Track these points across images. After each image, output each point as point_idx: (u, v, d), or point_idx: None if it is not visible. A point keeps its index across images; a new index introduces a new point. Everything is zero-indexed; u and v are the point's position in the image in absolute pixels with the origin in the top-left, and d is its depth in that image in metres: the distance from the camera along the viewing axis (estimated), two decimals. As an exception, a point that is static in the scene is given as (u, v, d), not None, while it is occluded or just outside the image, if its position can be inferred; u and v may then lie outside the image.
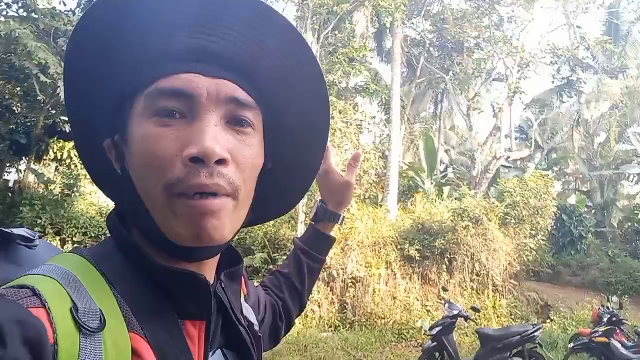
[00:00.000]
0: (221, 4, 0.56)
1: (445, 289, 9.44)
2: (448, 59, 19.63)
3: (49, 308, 0.47)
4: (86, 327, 0.47)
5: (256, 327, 0.74)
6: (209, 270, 0.62)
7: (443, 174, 20.92)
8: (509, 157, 17.02)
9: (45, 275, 0.51)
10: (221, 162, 0.53)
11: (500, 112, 17.24)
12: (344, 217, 1.07)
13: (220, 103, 0.56)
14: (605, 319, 7.94)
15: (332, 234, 1.07)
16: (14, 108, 11.02)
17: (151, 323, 0.53)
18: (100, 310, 0.50)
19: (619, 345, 7.66)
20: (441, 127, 23.11)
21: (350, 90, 19.35)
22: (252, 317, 0.74)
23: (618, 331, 7.85)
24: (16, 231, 0.67)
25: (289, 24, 0.59)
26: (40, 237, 0.70)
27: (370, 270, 11.10)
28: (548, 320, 11.21)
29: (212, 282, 0.63)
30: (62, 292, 0.50)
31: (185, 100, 0.55)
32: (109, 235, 0.63)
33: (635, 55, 21.90)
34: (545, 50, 19.39)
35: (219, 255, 0.64)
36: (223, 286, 0.65)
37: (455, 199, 13.80)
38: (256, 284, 0.96)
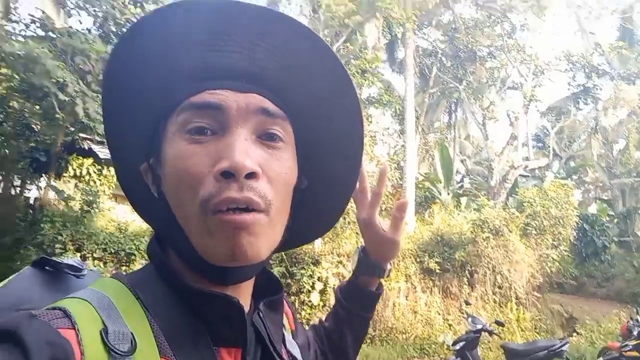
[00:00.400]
0: (244, 19, 0.56)
1: (467, 303, 9.26)
2: (461, 68, 19.56)
3: (78, 329, 0.47)
4: (115, 350, 0.47)
5: None
6: (244, 295, 0.61)
7: (459, 184, 20.71)
8: (526, 166, 16.81)
9: (79, 298, 0.52)
10: (251, 175, 0.53)
11: (516, 120, 17.07)
12: (390, 269, 0.95)
13: (249, 115, 0.56)
14: (635, 332, 7.70)
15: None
16: (33, 126, 11.16)
17: (184, 349, 0.53)
18: (132, 334, 0.50)
19: (651, 360, 7.42)
20: (456, 136, 22.94)
21: (363, 102, 19.35)
22: (296, 352, 0.70)
23: (649, 344, 7.60)
24: (66, 261, 0.69)
25: (319, 40, 0.59)
26: (89, 269, 0.73)
27: (389, 284, 10.95)
28: (574, 334, 10.92)
29: (247, 308, 0.61)
30: (93, 315, 0.50)
31: (215, 115, 0.55)
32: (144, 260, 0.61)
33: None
34: (560, 57, 19.25)
35: (253, 281, 0.63)
36: (261, 316, 0.63)
37: (474, 209, 13.61)
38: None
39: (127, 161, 0.65)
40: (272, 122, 0.57)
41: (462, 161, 23.26)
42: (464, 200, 17.19)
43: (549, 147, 20.70)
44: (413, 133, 15.51)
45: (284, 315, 0.73)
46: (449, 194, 17.00)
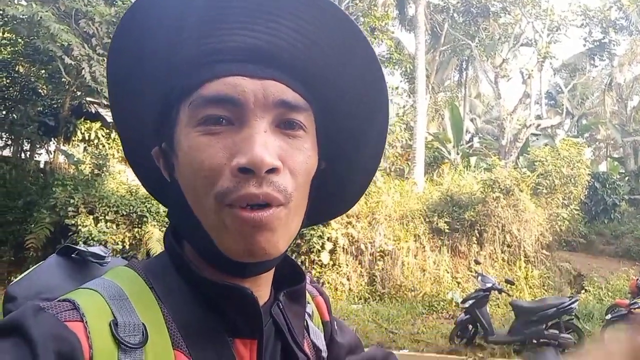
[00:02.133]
0: None
1: (477, 262, 9.35)
2: (473, 25, 18.99)
3: (86, 322, 0.46)
4: (125, 342, 0.46)
5: (324, 354, 0.67)
6: (263, 286, 0.59)
7: (469, 144, 20.52)
8: (538, 125, 16.56)
9: (90, 289, 0.51)
10: (272, 170, 0.50)
11: (530, 78, 16.67)
12: None
13: (268, 107, 0.52)
14: (645, 290, 7.75)
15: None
16: (40, 90, 11.12)
17: (198, 340, 0.51)
18: (144, 325, 0.48)
19: (660, 316, 7.49)
20: (466, 95, 22.55)
21: (372, 61, 18.97)
22: (320, 343, 0.68)
23: (658, 302, 7.65)
24: (90, 249, 0.70)
25: (340, 12, 0.54)
26: (112, 255, 0.73)
27: (398, 244, 11.06)
28: (582, 291, 11.04)
29: (266, 299, 0.59)
30: (103, 306, 0.49)
31: (232, 107, 0.51)
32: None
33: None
34: (576, 11, 18.57)
35: (272, 272, 0.60)
36: (281, 307, 0.60)
37: (484, 169, 13.52)
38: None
39: (136, 145, 0.63)
40: (292, 112, 0.54)
41: (471, 120, 22.96)
42: (473, 159, 17.08)
43: (562, 105, 20.30)
44: (423, 92, 15.24)
45: (315, 306, 0.72)
46: (458, 153, 16.87)
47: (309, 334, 0.66)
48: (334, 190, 0.66)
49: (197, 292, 0.54)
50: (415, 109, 14.75)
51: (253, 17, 0.52)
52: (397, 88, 18.81)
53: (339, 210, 0.73)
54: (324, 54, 0.56)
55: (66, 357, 0.43)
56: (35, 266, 0.68)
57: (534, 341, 7.57)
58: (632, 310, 7.61)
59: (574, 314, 7.56)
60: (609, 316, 8.17)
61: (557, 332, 7.44)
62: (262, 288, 0.58)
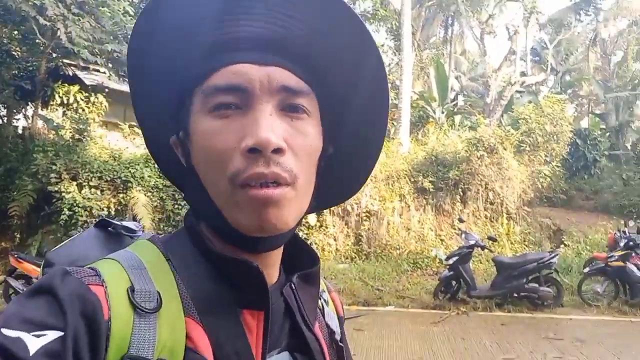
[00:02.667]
0: None
1: (461, 220, 9.54)
2: (459, -21, 18.54)
3: (106, 287, 0.50)
4: (140, 307, 0.50)
5: (337, 336, 0.71)
6: (272, 264, 0.62)
7: (454, 102, 20.48)
8: (523, 82, 16.54)
9: (112, 259, 0.55)
10: (277, 151, 0.53)
11: (516, 34, 16.50)
12: None
13: (273, 92, 0.56)
14: (621, 244, 8.04)
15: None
16: (14, 53, 10.68)
17: (208, 309, 0.55)
18: (158, 293, 0.52)
19: (634, 269, 7.81)
20: (451, 52, 22.29)
21: (357, 17, 18.51)
22: (334, 325, 0.71)
23: (634, 255, 7.96)
24: (124, 223, 0.76)
25: (343, 2, 0.57)
26: (143, 230, 0.79)
27: (384, 204, 11.20)
28: (562, 246, 11.39)
29: (275, 277, 0.63)
30: (122, 274, 0.53)
31: (240, 93, 0.55)
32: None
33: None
34: (564, -37, 18.23)
35: (281, 251, 0.64)
36: (293, 288, 0.64)
37: (469, 127, 13.57)
38: None
39: (156, 134, 0.67)
40: (295, 97, 0.57)
41: (457, 78, 22.82)
42: (458, 118, 17.08)
43: (547, 61, 20.23)
44: (410, 50, 15.01)
45: (332, 301, 0.76)
46: (443, 112, 16.85)
47: (323, 316, 0.70)
48: (342, 173, 0.70)
49: (209, 265, 0.58)
50: (401, 67, 14.57)
51: (256, 7, 0.55)
52: (382, 46, 18.50)
53: (349, 191, 0.75)
54: (324, 42, 0.59)
55: (89, 315, 0.47)
56: (74, 236, 0.75)
57: (515, 295, 7.89)
58: (609, 263, 7.92)
59: (553, 268, 7.84)
60: (586, 269, 8.51)
61: (537, 285, 7.74)
62: (271, 266, 0.62)
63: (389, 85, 0.69)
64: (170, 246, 0.60)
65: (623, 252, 7.91)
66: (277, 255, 0.63)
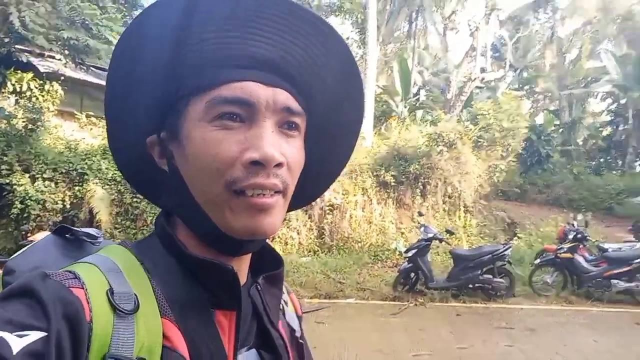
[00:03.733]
0: (281, 13, 0.59)
1: (421, 214, 9.76)
2: (424, -26, 18.75)
3: (86, 289, 0.52)
4: (120, 308, 0.52)
5: (297, 334, 0.75)
6: (243, 266, 0.66)
7: (416, 97, 20.79)
8: (483, 78, 16.96)
9: (87, 263, 0.57)
10: (278, 165, 0.58)
11: (477, 30, 16.87)
12: None
13: (276, 111, 0.60)
14: (570, 236, 8.44)
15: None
16: (-39, 36, 10.10)
17: (183, 310, 0.57)
18: (135, 295, 0.54)
19: (581, 260, 8.24)
20: (415, 46, 22.57)
21: (323, 9, 18.47)
22: (295, 324, 0.76)
23: (581, 247, 8.39)
24: (84, 230, 0.77)
25: (341, 39, 0.64)
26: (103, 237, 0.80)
27: (347, 197, 11.32)
28: (515, 238, 11.84)
29: (244, 280, 0.66)
30: (100, 277, 0.54)
31: (246, 108, 0.58)
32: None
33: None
34: (523, -37, 18.73)
35: (250, 254, 0.67)
36: (259, 289, 0.68)
37: (430, 122, 13.83)
38: None
39: (127, 133, 0.67)
40: (292, 117, 0.62)
41: (419, 72, 23.15)
42: (419, 113, 17.38)
43: (506, 58, 20.80)
44: (375, 44, 15.12)
45: (291, 302, 0.80)
46: (405, 107, 17.10)
47: (284, 316, 0.74)
48: (312, 180, 0.74)
49: (183, 267, 0.61)
50: (365, 61, 14.68)
51: (268, 32, 0.59)
52: (347, 39, 18.54)
53: (315, 194, 0.81)
54: (319, 70, 0.64)
55: (71, 316, 0.49)
56: (31, 244, 0.75)
57: (470, 286, 8.18)
58: (558, 255, 8.32)
59: (507, 259, 8.16)
60: (537, 260, 8.90)
61: (490, 276, 8.05)
62: (242, 268, 0.66)
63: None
64: (143, 250, 0.62)
65: (571, 244, 8.32)
66: (248, 258, 0.67)
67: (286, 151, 0.60)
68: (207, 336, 0.58)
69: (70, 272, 0.54)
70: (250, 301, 0.66)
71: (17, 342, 0.44)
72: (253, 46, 0.59)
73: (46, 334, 0.46)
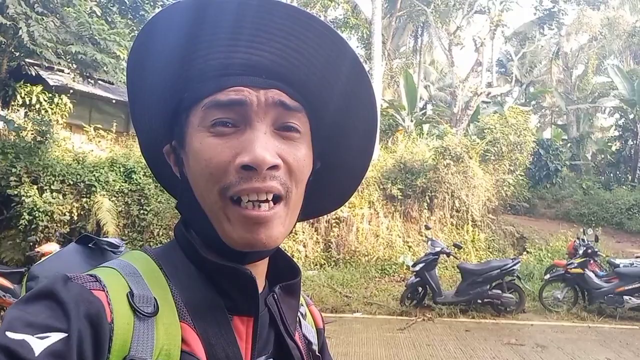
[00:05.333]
0: (275, 17, 0.58)
1: (428, 227, 9.68)
2: (429, -10, 18.92)
3: (107, 292, 0.53)
4: (140, 311, 0.53)
5: (315, 347, 0.74)
6: (258, 274, 0.64)
7: (422, 111, 20.82)
8: (489, 93, 16.97)
9: (109, 267, 0.58)
10: (273, 167, 0.57)
11: (482, 46, 16.93)
12: None
13: (268, 109, 0.59)
14: (580, 251, 8.32)
15: None
16: (-28, 50, 10.27)
17: (201, 315, 0.58)
18: (155, 298, 0.55)
19: (592, 275, 8.09)
20: (420, 62, 22.70)
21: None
22: (312, 336, 0.75)
23: (592, 262, 8.25)
24: (106, 239, 0.80)
25: (337, 36, 0.61)
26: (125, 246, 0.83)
27: (353, 210, 11.27)
28: (524, 253, 11.70)
29: (261, 288, 0.65)
30: (121, 280, 0.55)
31: (238, 109, 0.58)
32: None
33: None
34: (529, -21, 18.85)
35: (267, 262, 0.67)
36: (276, 298, 0.67)
37: (436, 136, 13.81)
38: None
39: (150, 142, 0.69)
40: (289, 115, 0.60)
41: (425, 87, 23.24)
42: (426, 127, 17.38)
43: (512, 73, 20.84)
44: (380, 59, 15.21)
45: (309, 312, 0.79)
46: (412, 121, 17.12)
47: (300, 327, 0.73)
48: (327, 188, 0.73)
49: (201, 273, 0.61)
50: (371, 75, 14.72)
51: (258, 36, 0.59)
52: (353, 53, 18.64)
53: (334, 204, 0.79)
54: (318, 72, 0.63)
55: (93, 317, 0.49)
56: (55, 252, 0.78)
57: (479, 301, 8.05)
58: (568, 270, 8.18)
59: (515, 274, 8.04)
60: (547, 276, 8.76)
61: (499, 292, 7.92)
62: (259, 276, 0.65)
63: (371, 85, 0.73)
64: (162, 256, 0.62)
65: (582, 260, 8.19)
66: (264, 265, 0.67)
67: (285, 153, 0.59)
68: (224, 341, 0.58)
69: (91, 275, 0.55)
70: (267, 310, 0.65)
71: (38, 344, 0.45)
72: (243, 52, 0.59)
73: (67, 334, 0.46)
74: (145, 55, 0.61)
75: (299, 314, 0.72)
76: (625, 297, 7.85)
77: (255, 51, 0.59)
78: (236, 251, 0.59)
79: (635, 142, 18.55)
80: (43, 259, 0.75)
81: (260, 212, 0.56)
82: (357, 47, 20.49)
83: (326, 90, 0.65)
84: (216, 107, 0.58)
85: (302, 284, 0.73)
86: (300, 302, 0.74)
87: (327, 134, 0.68)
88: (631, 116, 18.54)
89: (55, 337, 0.46)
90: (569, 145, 20.73)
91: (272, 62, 0.60)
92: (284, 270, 0.70)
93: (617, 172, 19.72)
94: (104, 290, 0.53)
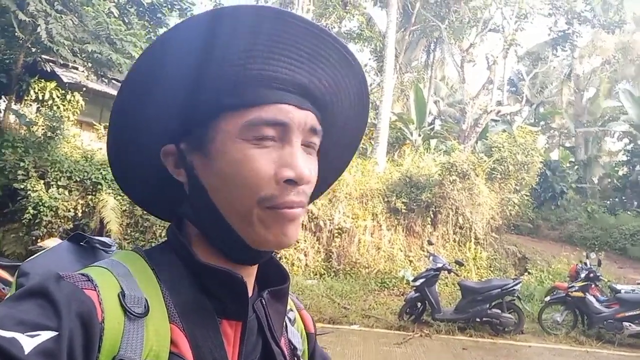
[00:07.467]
0: (314, 39, 0.62)
1: (430, 243, 9.66)
2: (444, 6, 19.04)
3: (99, 291, 0.53)
4: (131, 311, 0.53)
5: (299, 352, 0.75)
6: (249, 278, 0.67)
7: (431, 126, 20.84)
8: (499, 112, 16.97)
9: (100, 267, 0.58)
10: (306, 182, 0.61)
11: (495, 64, 16.96)
12: None
13: (305, 131, 0.63)
14: (582, 275, 8.26)
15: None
16: (-10, 43, 10.43)
17: (190, 317, 0.58)
18: (145, 299, 0.56)
19: (593, 300, 8.03)
20: (432, 77, 22.76)
21: (343, 35, 18.78)
22: (297, 341, 0.75)
23: (593, 286, 8.20)
24: (98, 238, 0.80)
25: (362, 71, 0.68)
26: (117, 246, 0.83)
27: (356, 221, 11.27)
28: (525, 273, 11.62)
29: (250, 294, 0.66)
30: (112, 280, 0.56)
31: (281, 128, 0.61)
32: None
33: (632, 8, 21.51)
34: (545, 0, 18.91)
35: (256, 267, 0.68)
36: (264, 303, 0.68)
37: (444, 152, 13.81)
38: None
39: (139, 140, 0.66)
40: (314, 137, 0.65)
41: (435, 102, 23.26)
42: (433, 142, 17.39)
43: (522, 92, 20.82)
44: (392, 72, 15.28)
45: (299, 317, 0.81)
46: (420, 135, 17.14)
47: (287, 332, 0.74)
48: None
49: (193, 276, 0.62)
50: (382, 88, 14.80)
51: (302, 55, 0.62)
52: (365, 66, 18.79)
53: (315, 197, 0.84)
54: (343, 100, 0.69)
55: (84, 317, 0.50)
56: (47, 249, 0.77)
57: (477, 320, 8.00)
58: (569, 293, 8.13)
59: (516, 295, 7.99)
60: (547, 298, 8.70)
61: (499, 311, 7.87)
62: (249, 281, 0.67)
63: (370, 105, 0.78)
64: (154, 257, 0.63)
65: (583, 283, 8.13)
66: (253, 269, 0.68)
67: (310, 168, 0.63)
68: (212, 345, 0.59)
69: (83, 274, 0.55)
70: (255, 316, 0.66)
71: (29, 342, 0.45)
72: (286, 68, 0.61)
73: (57, 333, 0.47)
74: (175, 48, 0.60)
75: (286, 319, 0.73)
76: (625, 324, 7.78)
77: (297, 69, 0.62)
78: (254, 252, 0.63)
79: (643, 168, 18.44)
80: (34, 255, 0.74)
81: (294, 210, 0.61)
82: (370, 59, 20.65)
83: (340, 121, 0.71)
84: (261, 124, 0.60)
85: (301, 293, 0.76)
86: (289, 307, 0.76)
87: (325, 150, 0.71)
88: (640, 142, 18.45)
89: (46, 335, 0.46)
90: (575, 167, 20.65)
91: (310, 82, 0.63)
92: (273, 276, 0.71)
93: (623, 197, 19.60)
94: (95, 290, 0.53)
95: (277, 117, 0.60)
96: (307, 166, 0.62)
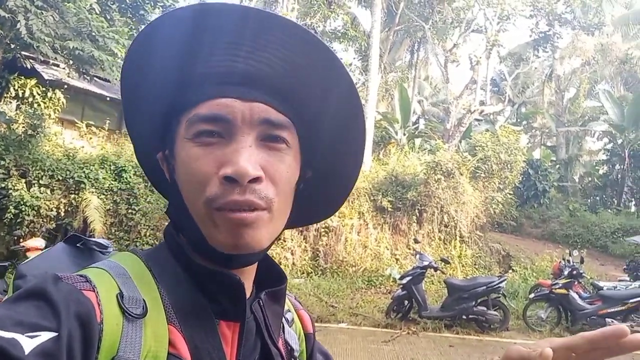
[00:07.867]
0: (255, 26, 0.58)
1: (417, 241, 9.72)
2: (428, 6, 19.18)
3: (97, 292, 0.53)
4: (129, 312, 0.53)
5: (296, 353, 0.74)
6: (245, 279, 0.64)
7: (415, 125, 20.99)
8: (482, 111, 17.16)
9: (98, 268, 0.58)
10: (255, 180, 0.57)
11: (478, 64, 17.15)
12: None
13: (254, 125, 0.59)
14: (565, 272, 8.40)
15: None
16: (-33, 40, 10.16)
17: (188, 319, 0.58)
18: (144, 300, 0.55)
19: (576, 297, 8.17)
20: (415, 76, 22.92)
21: (328, 34, 18.79)
22: (294, 342, 0.75)
23: (576, 283, 8.34)
24: (94, 239, 0.80)
25: (320, 42, 0.61)
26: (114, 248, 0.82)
27: (343, 220, 11.28)
28: (510, 271, 11.78)
29: (248, 294, 0.65)
30: (110, 281, 0.55)
31: (223, 124, 0.59)
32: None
33: (610, 11, 21.96)
34: (526, 2, 19.18)
35: (254, 268, 0.67)
36: (261, 304, 0.67)
37: (428, 151, 13.91)
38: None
39: (144, 148, 0.70)
40: (275, 129, 0.61)
41: (419, 102, 23.44)
42: (418, 141, 17.51)
43: (504, 92, 21.11)
44: (376, 71, 15.32)
45: (297, 317, 0.80)
46: (404, 134, 17.24)
47: (284, 333, 0.73)
48: (320, 194, 0.74)
49: (190, 277, 0.61)
50: (367, 87, 14.84)
51: (246, 45, 0.59)
52: (350, 65, 18.82)
53: (327, 211, 0.79)
54: (302, 78, 0.62)
55: (83, 317, 0.49)
56: (43, 251, 0.78)
57: (464, 317, 8.07)
58: (553, 290, 8.25)
59: (501, 292, 8.08)
60: (532, 295, 8.83)
61: (485, 308, 7.96)
62: (246, 282, 0.64)
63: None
64: (152, 258, 0.63)
65: (566, 280, 8.26)
66: (251, 271, 0.67)
67: (269, 165, 0.59)
68: (210, 346, 0.58)
69: (81, 275, 0.55)
70: (253, 317, 0.66)
71: (28, 343, 0.45)
72: (230, 61, 0.60)
73: (57, 333, 0.46)
74: (137, 60, 0.62)
75: (283, 319, 0.73)
76: (608, 320, 7.93)
77: (241, 59, 0.59)
78: (223, 255, 0.59)
79: (622, 166, 18.85)
80: (31, 257, 0.75)
81: (243, 214, 0.57)
82: (354, 58, 20.67)
83: (308, 97, 0.64)
84: (199, 121, 0.59)
85: (288, 291, 0.75)
86: (287, 308, 0.75)
87: (314, 142, 0.68)
88: (619, 141, 18.86)
89: (46, 336, 0.46)
90: (557, 166, 21.01)
91: (259, 71, 0.60)
92: (270, 277, 0.70)
93: (604, 196, 20.01)
94: (94, 291, 0.53)
95: (214, 111, 0.59)
96: (256, 162, 0.57)
